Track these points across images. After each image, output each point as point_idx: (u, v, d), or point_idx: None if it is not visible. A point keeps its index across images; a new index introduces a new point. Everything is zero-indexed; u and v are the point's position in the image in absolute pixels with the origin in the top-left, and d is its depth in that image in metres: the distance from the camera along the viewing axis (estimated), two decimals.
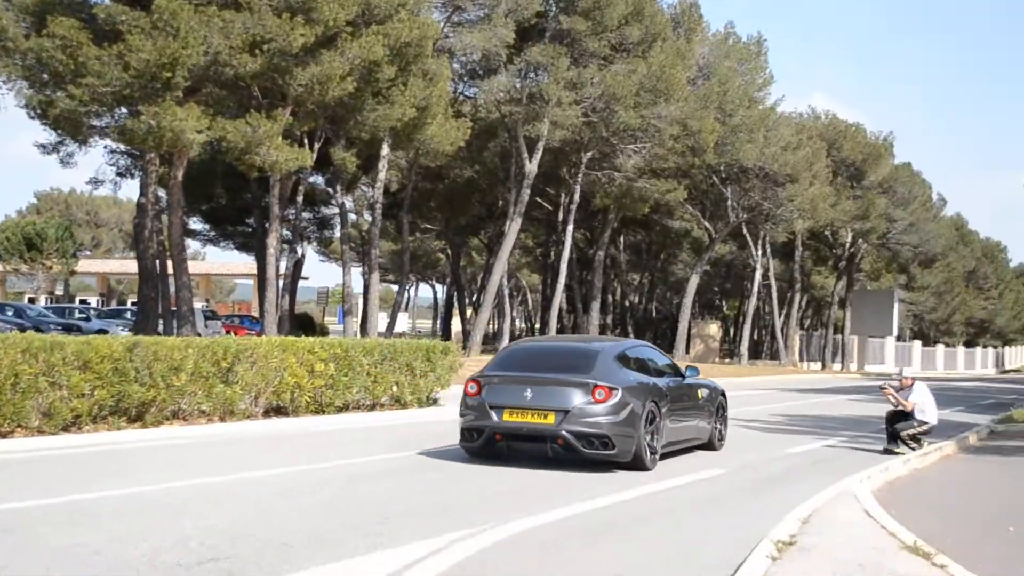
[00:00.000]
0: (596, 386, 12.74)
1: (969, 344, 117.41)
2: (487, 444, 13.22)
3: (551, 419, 12.65)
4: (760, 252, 61.88)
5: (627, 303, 71.30)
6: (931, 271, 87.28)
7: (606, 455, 12.77)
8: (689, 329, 61.11)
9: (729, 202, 54.29)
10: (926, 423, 17.11)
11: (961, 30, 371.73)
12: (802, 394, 36.26)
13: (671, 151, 43.49)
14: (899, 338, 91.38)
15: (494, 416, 12.96)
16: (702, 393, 15.69)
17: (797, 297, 70.34)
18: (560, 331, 57.28)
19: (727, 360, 69.05)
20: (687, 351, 61.12)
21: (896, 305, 77.98)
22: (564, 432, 12.52)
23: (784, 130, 53.20)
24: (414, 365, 20.44)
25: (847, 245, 70.34)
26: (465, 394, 13.52)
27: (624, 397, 12.88)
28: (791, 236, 63.96)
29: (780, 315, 69.68)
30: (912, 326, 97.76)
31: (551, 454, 12.86)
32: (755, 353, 76.12)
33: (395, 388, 20.12)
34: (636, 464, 13.07)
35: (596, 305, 51.52)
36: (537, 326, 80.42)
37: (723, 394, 16.65)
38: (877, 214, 64.14)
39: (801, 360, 72.52)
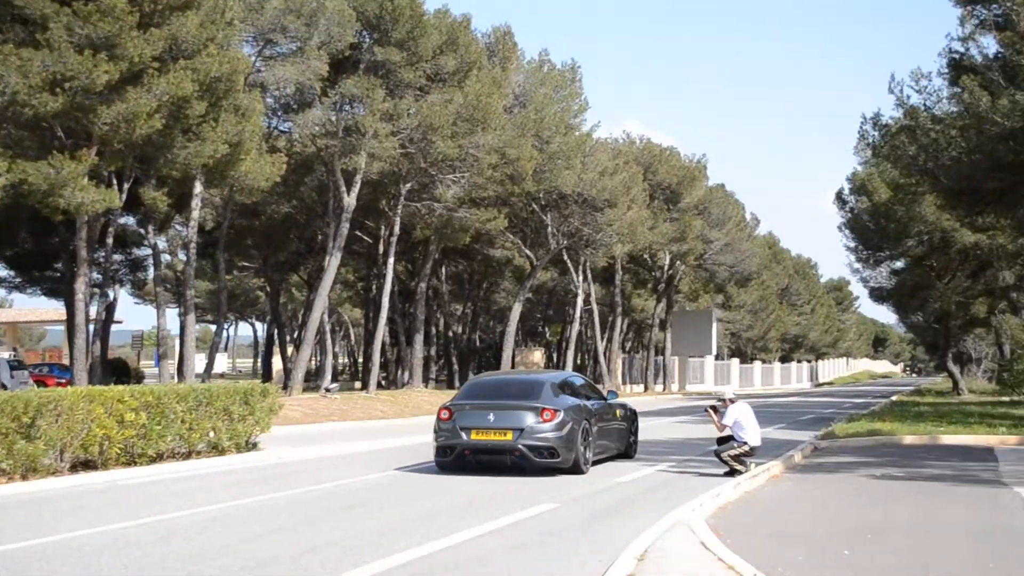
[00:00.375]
0: (543, 409, 16.59)
1: (785, 359, 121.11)
2: (458, 458, 16.93)
3: (510, 436, 16.49)
4: (581, 278, 62.40)
5: (451, 333, 70.93)
6: (747, 289, 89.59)
7: (552, 463, 16.54)
8: (513, 357, 61.13)
9: (549, 229, 54.53)
10: (746, 444, 17.13)
11: (764, 55, 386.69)
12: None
13: (490, 180, 43.37)
14: (718, 357, 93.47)
15: (464, 436, 16.69)
16: (619, 412, 19.66)
17: (619, 321, 71.16)
18: (383, 365, 58.20)
19: None
20: None
21: (714, 324, 79.74)
22: (520, 446, 16.35)
23: (601, 156, 53.62)
24: (231, 409, 19.63)
25: (666, 267, 71.51)
26: (438, 419, 17.15)
27: (565, 417, 16.67)
28: (611, 261, 64.66)
29: (602, 339, 70.34)
30: (730, 344, 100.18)
31: (510, 464, 16.59)
32: None
33: (212, 434, 19.28)
34: (575, 469, 16.82)
35: (419, 338, 50.96)
36: (360, 360, 79.44)
37: (635, 412, 20.99)
38: (694, 235, 65.39)
39: (624, 383, 73.40)
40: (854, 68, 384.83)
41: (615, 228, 53.89)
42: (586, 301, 65.90)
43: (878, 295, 66.81)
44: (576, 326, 64.65)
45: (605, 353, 69.08)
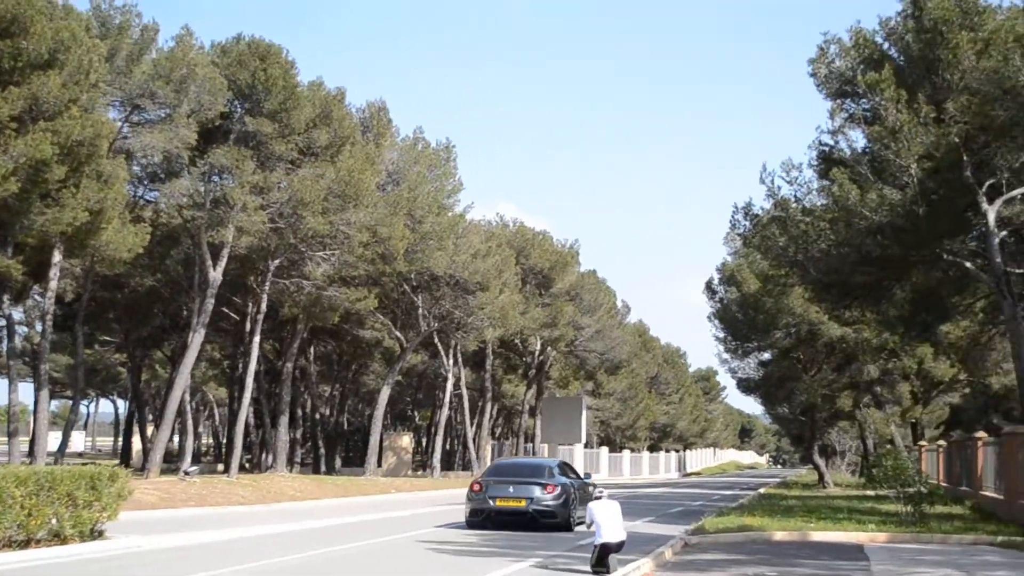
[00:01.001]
0: (548, 484, 24.26)
1: (653, 448, 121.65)
2: (486, 518, 24.24)
3: (524, 503, 23.98)
4: (452, 361, 61.78)
5: (318, 416, 69.41)
6: (617, 377, 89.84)
7: (553, 522, 23.95)
8: (381, 441, 60.02)
9: (420, 311, 53.94)
10: (595, 546, 16.53)
11: (637, 143, 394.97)
12: None
13: (361, 258, 42.69)
14: (587, 444, 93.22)
15: (491, 503, 24.20)
16: (590, 488, 23.67)
17: (489, 406, 70.58)
18: (248, 447, 57.33)
19: (420, 472, 68.28)
20: (379, 464, 59.90)
21: (584, 412, 79.53)
22: (531, 510, 23.61)
23: (474, 238, 53.43)
24: (76, 494, 18.39)
25: (537, 353, 71.31)
26: (471, 490, 24.71)
27: (562, 490, 24.32)
28: (482, 345, 64.24)
29: (472, 425, 69.67)
30: (599, 432, 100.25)
31: (526, 521, 23.83)
32: (448, 464, 75.72)
33: (54, 521, 18.02)
34: (567, 527, 24.13)
35: (285, 419, 49.58)
36: (224, 442, 77.18)
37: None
38: (565, 321, 65.35)
39: None
40: (726, 157, 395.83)
41: (487, 312, 53.51)
42: (456, 385, 65.22)
43: (745, 386, 67.51)
44: (446, 411, 63.91)
45: (475, 439, 68.33)
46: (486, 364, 68.14)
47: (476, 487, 24.84)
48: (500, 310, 53.99)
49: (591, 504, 17.07)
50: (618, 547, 16.56)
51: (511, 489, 24.41)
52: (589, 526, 17.11)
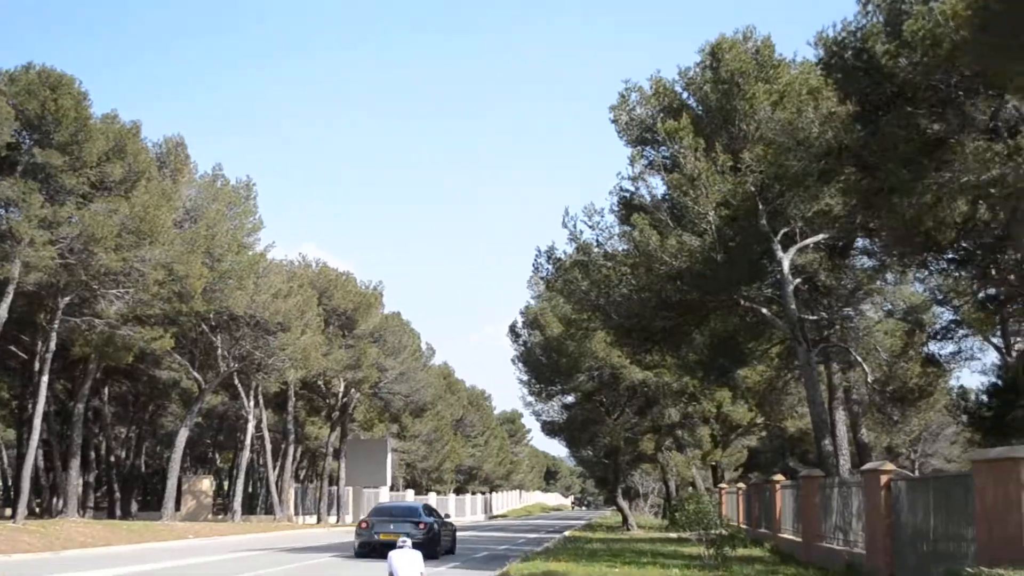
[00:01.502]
0: (420, 522, 31.74)
1: (460, 491, 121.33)
2: (372, 549, 30.63)
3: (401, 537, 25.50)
4: (253, 403, 60.20)
5: (113, 458, 66.50)
6: (422, 420, 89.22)
7: (426, 551, 26.32)
8: (180, 484, 57.88)
9: (220, 351, 52.33)
10: None
11: (442, 185, 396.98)
12: (297, 555, 34.67)
13: (157, 297, 41.03)
14: (393, 487, 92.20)
15: (376, 536, 31.19)
16: (450, 526, 34.86)
17: (291, 448, 68.95)
18: (38, 491, 56.11)
19: (221, 516, 66.14)
20: (178, 507, 57.73)
21: (389, 454, 78.62)
22: (409, 542, 22.45)
23: (275, 277, 52.34)
24: None
25: (340, 395, 70.18)
26: (359, 527, 32.43)
27: (431, 527, 31.75)
28: (284, 386, 62.85)
29: (275, 467, 67.99)
30: (405, 475, 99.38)
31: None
32: (250, 508, 73.63)
33: None
34: (435, 556, 31.05)
35: (76, 462, 47.21)
36: (11, 485, 73.20)
37: (455, 528, 36.86)
38: (368, 363, 64.57)
39: (297, 513, 70.95)
40: (531, 199, 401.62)
41: (288, 353, 52.38)
42: (258, 427, 63.57)
43: (550, 429, 67.97)
44: (247, 453, 62.08)
45: (277, 482, 66.64)
46: (288, 406, 66.68)
47: (364, 524, 32.98)
48: (302, 351, 52.92)
49: (391, 553, 16.57)
50: None
51: (392, 526, 32.23)
52: None
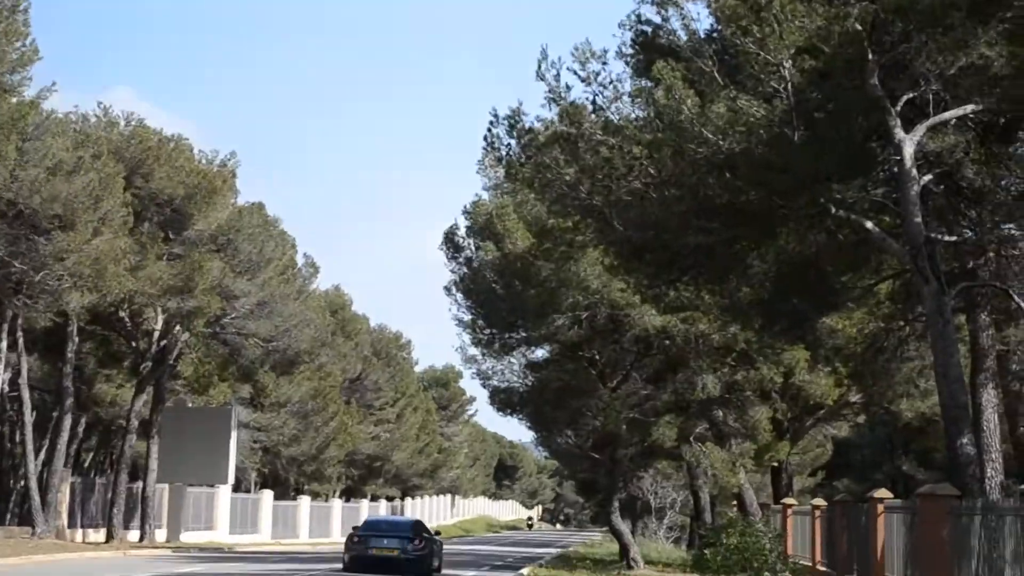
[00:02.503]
0: (413, 538, 48.81)
1: (351, 494, 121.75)
2: (364, 565, 47.13)
3: (396, 552, 47.62)
4: (5, 343, 59.91)
5: None
6: (292, 379, 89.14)
7: (420, 568, 47.81)
8: None
9: None
10: None
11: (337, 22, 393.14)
12: None
13: None
14: (239, 485, 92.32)
15: (371, 552, 48.07)
16: (439, 543, 52.70)
17: (68, 419, 68.53)
18: None
19: None
20: None
21: (234, 433, 78.51)
22: (403, 557, 46.98)
23: (55, 142, 51.82)
24: None
25: (156, 336, 69.81)
26: (350, 540, 49.22)
27: (426, 543, 49.18)
28: (60, 319, 62.47)
29: (39, 450, 67.85)
30: (261, 465, 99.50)
31: (396, 565, 47.26)
32: None
33: None
34: (428, 572, 49.01)
35: None
36: None
37: (442, 543, 55.14)
38: (207, 286, 64.03)
39: (74, 526, 70.79)
40: (492, 37, 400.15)
41: (69, 265, 52.17)
42: (13, 384, 63.29)
43: (505, 400, 67.91)
44: None
45: (41, 475, 66.44)
46: (67, 350, 66.24)
47: (356, 539, 48.61)
48: (94, 262, 52.74)
49: None
50: None
51: (385, 540, 48.08)
52: None
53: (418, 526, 51.35)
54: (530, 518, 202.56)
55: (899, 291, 38.41)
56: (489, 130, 33.39)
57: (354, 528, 51.40)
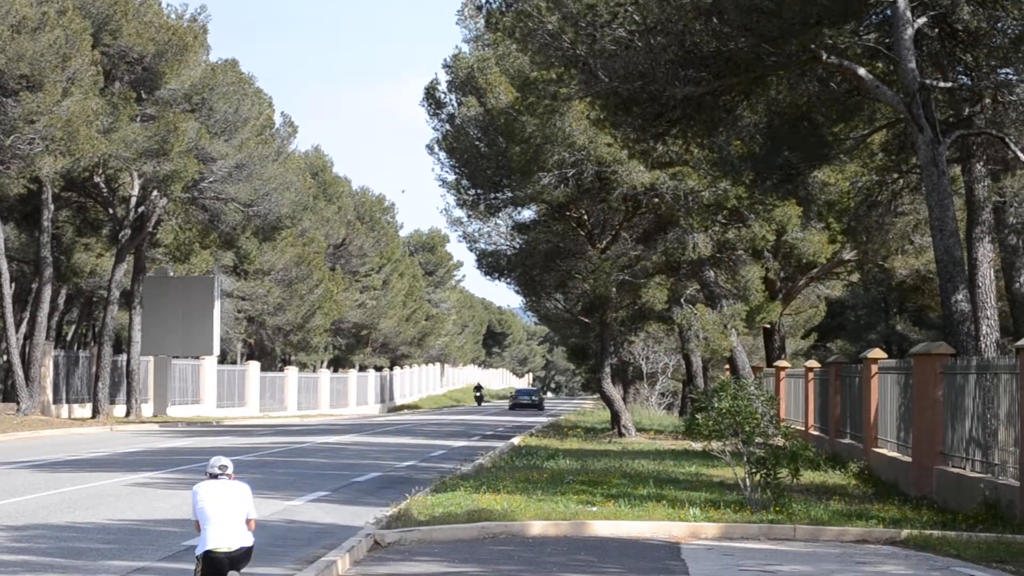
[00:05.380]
0: (535, 394, 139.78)
1: (338, 364, 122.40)
2: (517, 406, 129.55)
3: (531, 398, 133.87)
4: None
5: None
6: (275, 245, 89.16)
7: (540, 405, 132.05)
8: None
9: None
10: (198, 556, 15.96)
11: None
12: (50, 474, 34.67)
13: None
14: (224, 358, 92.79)
15: (520, 399, 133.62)
16: (541, 396, 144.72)
17: (48, 290, 68.57)
18: None
19: None
20: None
21: (217, 303, 78.74)
22: (534, 401, 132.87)
23: None
24: None
25: (134, 201, 69.60)
26: (512, 396, 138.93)
27: (540, 396, 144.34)
28: (34, 185, 62.25)
29: (19, 324, 67.81)
30: (246, 336, 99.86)
31: (532, 405, 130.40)
32: None
33: None
34: (542, 407, 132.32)
35: None
36: None
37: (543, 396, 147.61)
38: (182, 148, 63.81)
39: (58, 400, 71.07)
40: None
41: (41, 127, 52.06)
42: None
43: (491, 264, 67.94)
44: None
45: (23, 349, 66.53)
46: (43, 219, 66.15)
47: (514, 395, 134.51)
48: (65, 124, 52.70)
49: (197, 486, 16.32)
50: (237, 559, 15.86)
51: (526, 396, 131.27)
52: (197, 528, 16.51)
53: (538, 390, 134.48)
54: (478, 388, 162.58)
55: (892, 142, 38.29)
56: None
57: (512, 392, 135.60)
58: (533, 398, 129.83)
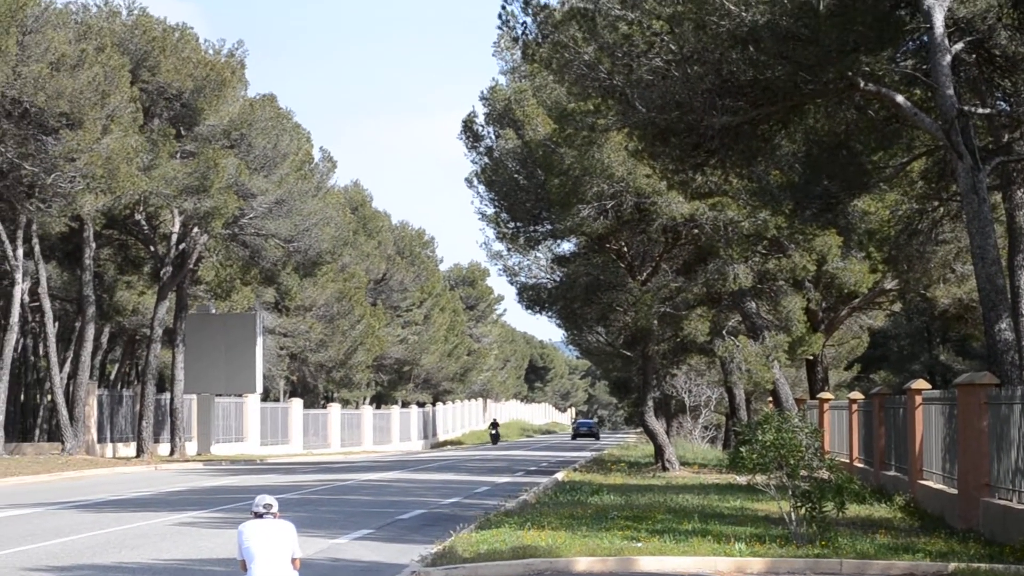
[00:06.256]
0: (593, 425, 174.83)
1: (381, 400, 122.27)
2: (579, 434, 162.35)
3: (590, 428, 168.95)
4: (22, 251, 59.89)
5: None
6: (315, 281, 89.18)
7: (597, 434, 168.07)
8: None
9: None
10: None
11: None
12: (96, 514, 34.67)
13: None
14: (268, 395, 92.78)
15: (581, 429, 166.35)
16: (598, 427, 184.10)
17: (91, 329, 68.68)
18: None
19: None
20: None
21: (259, 340, 78.76)
22: (593, 431, 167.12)
23: (56, 35, 51.86)
24: None
25: (175, 238, 69.76)
26: (575, 426, 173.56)
27: (597, 427, 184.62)
28: (76, 223, 62.38)
29: (63, 362, 67.88)
30: (289, 373, 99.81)
31: (590, 434, 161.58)
32: (22, 431, 73.69)
33: None
34: (599, 436, 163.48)
35: None
36: None
37: (600, 427, 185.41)
38: (222, 184, 63.92)
39: (103, 440, 71.16)
40: None
41: (81, 165, 52.19)
42: (33, 293, 63.39)
43: (532, 298, 67.72)
44: (15, 336, 61.98)
45: (68, 388, 66.66)
46: (85, 257, 66.30)
47: (576, 425, 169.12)
48: (106, 162, 52.88)
49: (242, 526, 16.37)
50: None
51: (586, 426, 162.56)
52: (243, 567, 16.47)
53: (596, 422, 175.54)
54: (494, 426, 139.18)
55: (932, 169, 38.12)
56: (503, 7, 33.14)
57: (575, 422, 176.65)
58: (592, 428, 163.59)
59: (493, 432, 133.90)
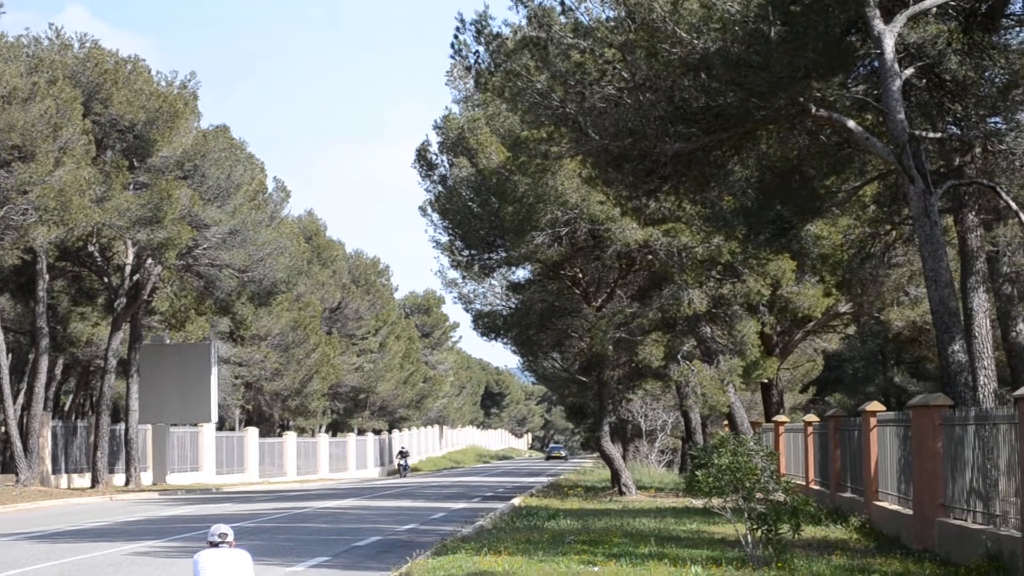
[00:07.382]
0: (563, 449, 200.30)
1: (337, 428, 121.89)
2: (550, 456, 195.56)
3: (560, 453, 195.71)
4: None
5: None
6: (271, 311, 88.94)
7: (565, 457, 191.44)
8: None
9: None
10: None
11: None
12: (50, 545, 34.51)
13: None
14: (223, 425, 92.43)
15: (552, 453, 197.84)
16: (568, 451, 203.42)
17: (45, 361, 68.34)
18: None
19: None
20: None
21: (214, 369, 78.54)
22: (562, 455, 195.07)
23: (8, 67, 51.78)
24: None
25: (128, 269, 69.52)
26: (548, 451, 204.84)
27: (567, 450, 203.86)
28: (28, 256, 62.12)
29: (16, 395, 67.52)
30: (244, 402, 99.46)
31: (560, 457, 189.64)
32: None
33: None
34: (567, 459, 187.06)
35: None
36: None
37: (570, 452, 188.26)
38: (176, 215, 63.72)
39: (58, 471, 70.79)
40: None
41: (34, 197, 52.05)
42: None
43: (488, 325, 67.72)
44: None
45: (21, 420, 66.28)
46: (38, 289, 66.03)
47: (548, 450, 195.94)
48: (58, 194, 52.77)
49: (198, 555, 16.42)
50: None
51: (557, 450, 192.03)
52: None
53: (565, 446, 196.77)
54: (402, 455, 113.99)
55: (884, 193, 38.24)
56: (456, 36, 33.20)
57: (546, 447, 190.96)
58: (562, 452, 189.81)
59: (402, 463, 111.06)
